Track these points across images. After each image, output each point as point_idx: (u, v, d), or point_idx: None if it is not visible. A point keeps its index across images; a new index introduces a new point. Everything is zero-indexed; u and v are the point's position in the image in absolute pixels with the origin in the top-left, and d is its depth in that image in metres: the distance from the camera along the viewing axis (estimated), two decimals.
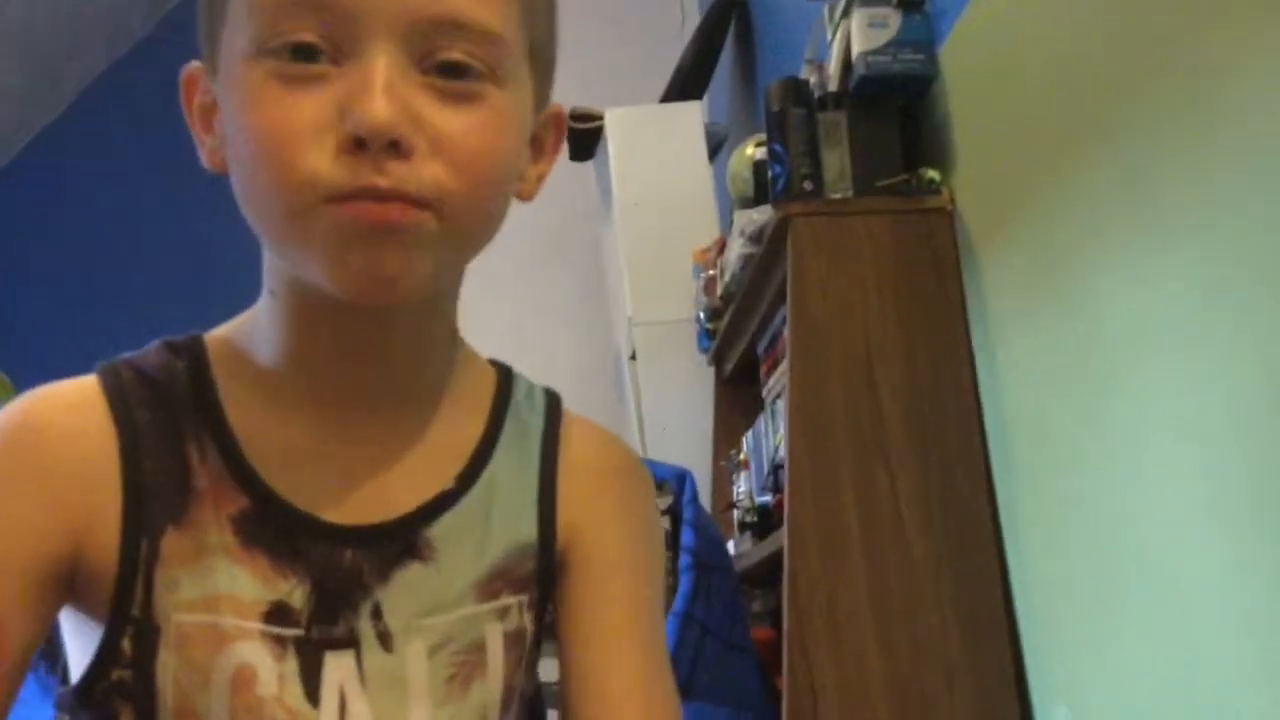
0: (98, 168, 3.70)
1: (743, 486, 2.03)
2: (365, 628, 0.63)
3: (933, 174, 1.59)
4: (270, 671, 0.60)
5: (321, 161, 0.55)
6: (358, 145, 0.55)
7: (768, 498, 1.80)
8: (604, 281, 3.14)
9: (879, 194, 1.59)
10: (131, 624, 0.60)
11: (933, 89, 1.63)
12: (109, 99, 3.78)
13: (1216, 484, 1.04)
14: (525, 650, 0.68)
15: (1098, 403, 1.24)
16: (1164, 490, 1.12)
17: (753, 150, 1.99)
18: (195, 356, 0.65)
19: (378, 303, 0.60)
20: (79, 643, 0.63)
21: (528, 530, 0.69)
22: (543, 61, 0.64)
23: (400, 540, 0.64)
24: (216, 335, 0.68)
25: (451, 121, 0.57)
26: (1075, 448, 1.29)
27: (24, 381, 0.66)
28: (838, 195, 1.60)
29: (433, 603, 0.64)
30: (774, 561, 1.58)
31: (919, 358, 1.51)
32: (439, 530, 0.65)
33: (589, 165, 2.94)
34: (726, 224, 2.33)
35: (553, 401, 0.74)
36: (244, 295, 0.69)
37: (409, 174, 0.55)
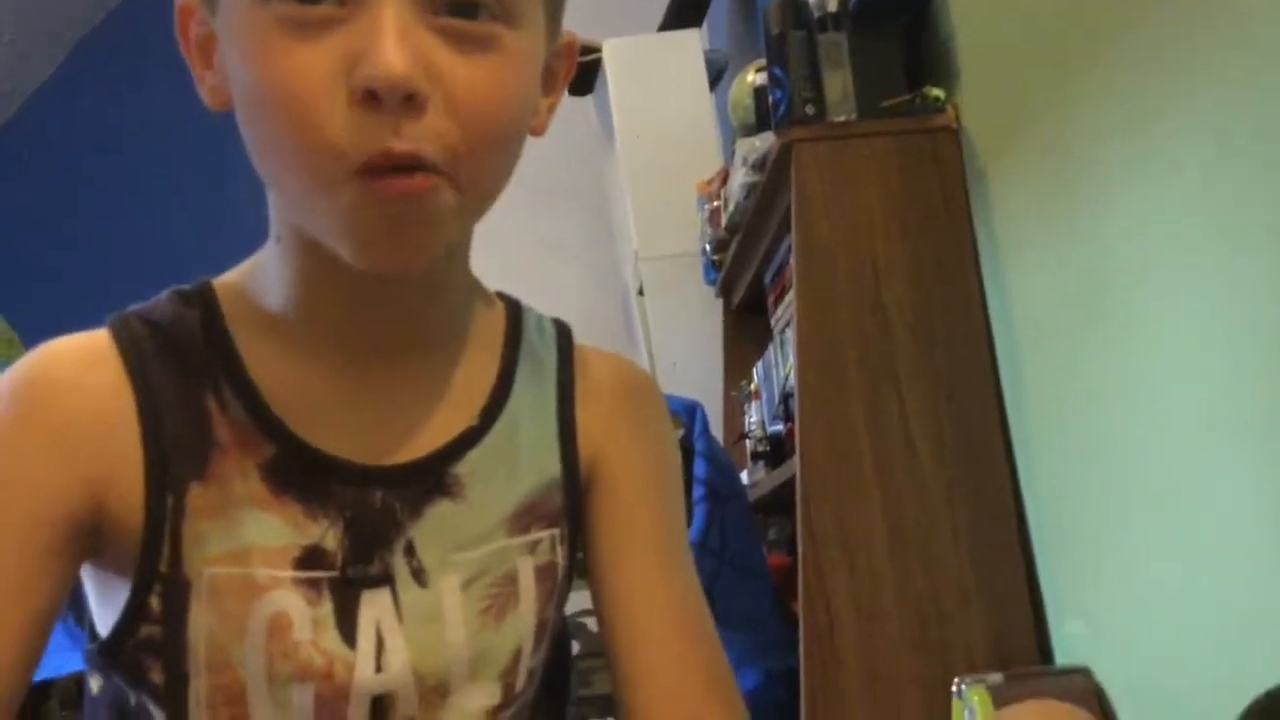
0: (98, 120, 3.67)
1: (754, 416, 2.03)
2: (399, 565, 0.63)
3: (937, 92, 1.56)
4: (304, 617, 0.61)
5: (337, 123, 0.53)
6: (370, 98, 0.53)
7: (779, 427, 1.81)
8: (608, 217, 3.11)
9: (883, 115, 1.56)
10: (160, 581, 0.60)
11: (934, 4, 1.59)
12: (107, 48, 3.74)
13: (1227, 397, 1.03)
14: (557, 583, 0.69)
15: (1108, 319, 1.23)
16: (1175, 405, 1.12)
17: (753, 76, 1.96)
18: (207, 306, 0.65)
19: (393, 274, 0.60)
20: (103, 601, 0.63)
21: (551, 464, 0.69)
22: None
23: (429, 479, 0.65)
24: (226, 282, 0.67)
25: (464, 72, 0.55)
26: (1085, 364, 1.28)
27: (32, 337, 0.65)
28: (840, 118, 1.58)
29: (464, 538, 0.65)
30: (787, 489, 1.59)
31: (927, 280, 1.49)
32: (466, 467, 0.65)
33: (588, 99, 2.90)
34: (729, 153, 2.30)
35: (563, 332, 0.74)
36: (253, 240, 0.68)
37: (423, 133, 0.54)
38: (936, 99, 1.56)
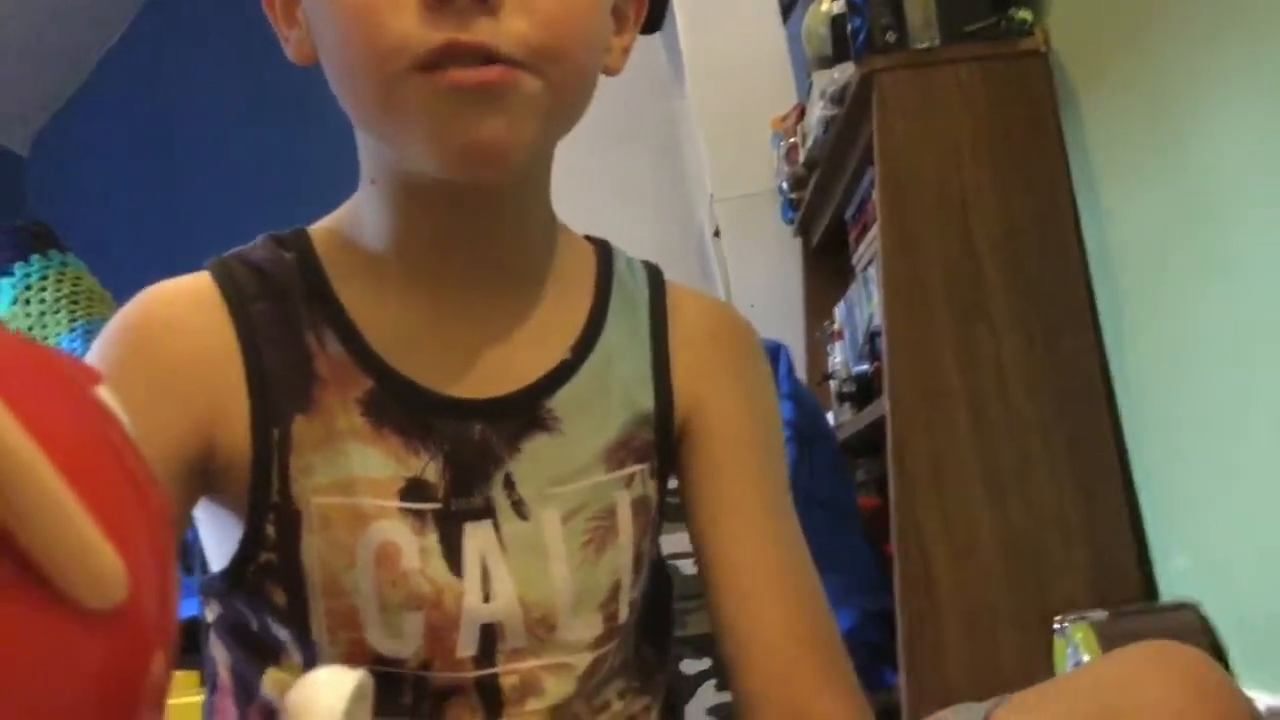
0: (173, 80, 3.71)
1: (838, 357, 2.01)
2: (500, 498, 0.64)
3: (1024, 14, 1.50)
4: (412, 546, 0.62)
5: (406, 22, 0.54)
6: (441, 1, 0.54)
7: (865, 367, 1.78)
8: (679, 158, 3.07)
9: (967, 40, 1.51)
10: (272, 510, 0.61)
11: None
12: (170, 16, 3.77)
13: None
14: (651, 517, 0.69)
15: (1210, 243, 1.18)
16: None
17: (829, 5, 1.90)
18: (302, 248, 0.66)
19: (478, 176, 0.60)
20: (219, 534, 0.65)
21: (645, 400, 0.69)
22: None
23: (524, 412, 0.65)
24: (320, 227, 0.68)
25: None
26: (1188, 293, 1.23)
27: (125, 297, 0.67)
28: (923, 45, 1.52)
29: (562, 471, 0.65)
30: (875, 430, 1.56)
31: (1018, 212, 1.45)
32: (560, 401, 0.66)
33: (656, 37, 2.84)
34: (804, 88, 2.24)
35: (654, 272, 0.74)
36: (322, 205, 0.69)
37: (496, 30, 0.54)
38: (1024, 21, 1.50)
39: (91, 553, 0.27)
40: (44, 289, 2.11)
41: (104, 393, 0.32)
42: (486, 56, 0.54)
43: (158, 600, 0.30)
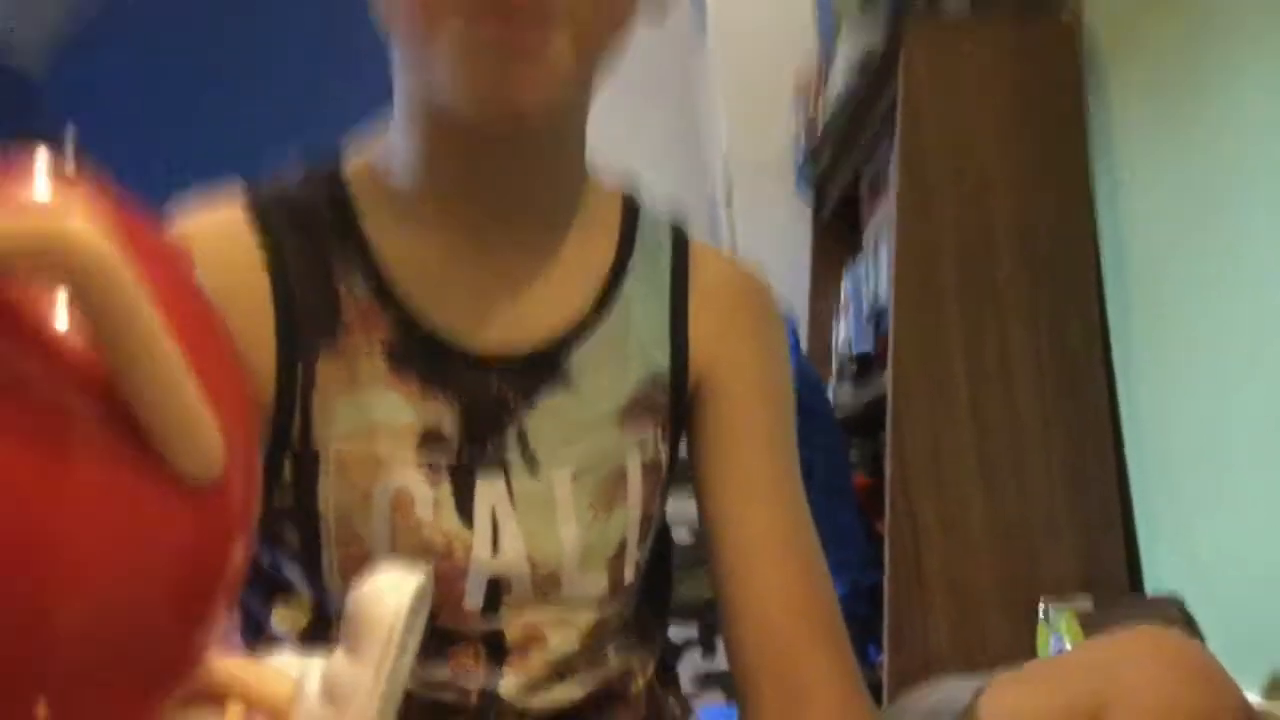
0: (193, 13, 3.66)
1: (841, 333, 1.99)
2: (513, 453, 0.64)
3: None
4: (426, 496, 0.62)
5: None
6: None
7: (868, 346, 1.76)
8: (695, 119, 3.03)
9: (999, 10, 1.47)
10: (290, 452, 0.61)
11: None
12: None
13: None
14: (660, 478, 0.69)
15: (1229, 244, 1.16)
16: None
17: None
18: (335, 182, 0.65)
19: (505, 130, 0.59)
20: None
21: (660, 358, 0.69)
22: None
23: (542, 368, 0.65)
24: (354, 160, 0.67)
25: None
26: (1195, 292, 1.22)
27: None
28: (953, 13, 1.49)
29: (575, 429, 0.65)
30: (873, 408, 1.55)
31: (1035, 196, 1.42)
32: (578, 358, 0.66)
33: None
34: (827, 52, 2.21)
35: (679, 229, 0.73)
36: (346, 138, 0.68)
37: None
38: None
39: (196, 422, 0.27)
40: None
41: (199, 274, 0.32)
42: (529, 14, 0.53)
43: (244, 484, 0.30)
